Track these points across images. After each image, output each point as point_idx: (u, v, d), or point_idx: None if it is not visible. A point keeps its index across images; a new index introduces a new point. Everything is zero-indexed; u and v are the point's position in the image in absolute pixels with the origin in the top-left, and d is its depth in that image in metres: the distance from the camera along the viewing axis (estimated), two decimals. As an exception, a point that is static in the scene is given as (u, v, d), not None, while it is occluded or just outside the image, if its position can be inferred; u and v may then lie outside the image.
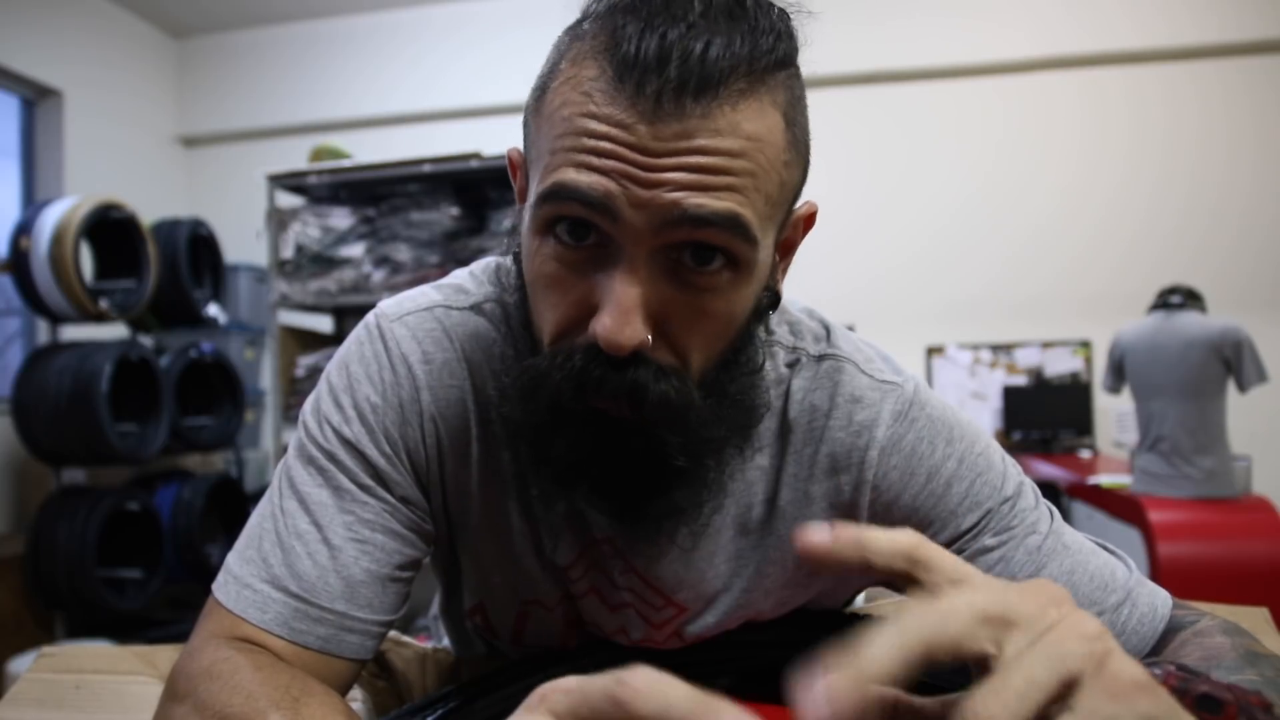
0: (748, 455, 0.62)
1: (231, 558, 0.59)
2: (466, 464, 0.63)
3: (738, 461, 0.62)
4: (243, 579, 0.57)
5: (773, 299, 0.59)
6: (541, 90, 0.52)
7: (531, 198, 0.51)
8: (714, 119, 0.46)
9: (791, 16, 0.51)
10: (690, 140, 0.46)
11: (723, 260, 0.49)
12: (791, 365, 0.63)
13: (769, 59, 0.48)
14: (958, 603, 0.29)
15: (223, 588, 0.58)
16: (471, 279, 0.67)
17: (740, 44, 0.46)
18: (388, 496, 0.60)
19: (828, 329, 0.66)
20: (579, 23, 0.51)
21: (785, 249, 0.59)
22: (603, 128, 0.46)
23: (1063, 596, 0.31)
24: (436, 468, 0.63)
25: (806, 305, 0.69)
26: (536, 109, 0.52)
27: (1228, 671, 0.49)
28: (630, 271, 0.48)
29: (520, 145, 0.58)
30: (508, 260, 0.67)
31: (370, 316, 0.65)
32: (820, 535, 0.32)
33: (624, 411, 0.50)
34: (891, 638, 0.27)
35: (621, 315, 0.47)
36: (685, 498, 0.55)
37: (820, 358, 0.63)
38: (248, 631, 0.56)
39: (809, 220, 0.60)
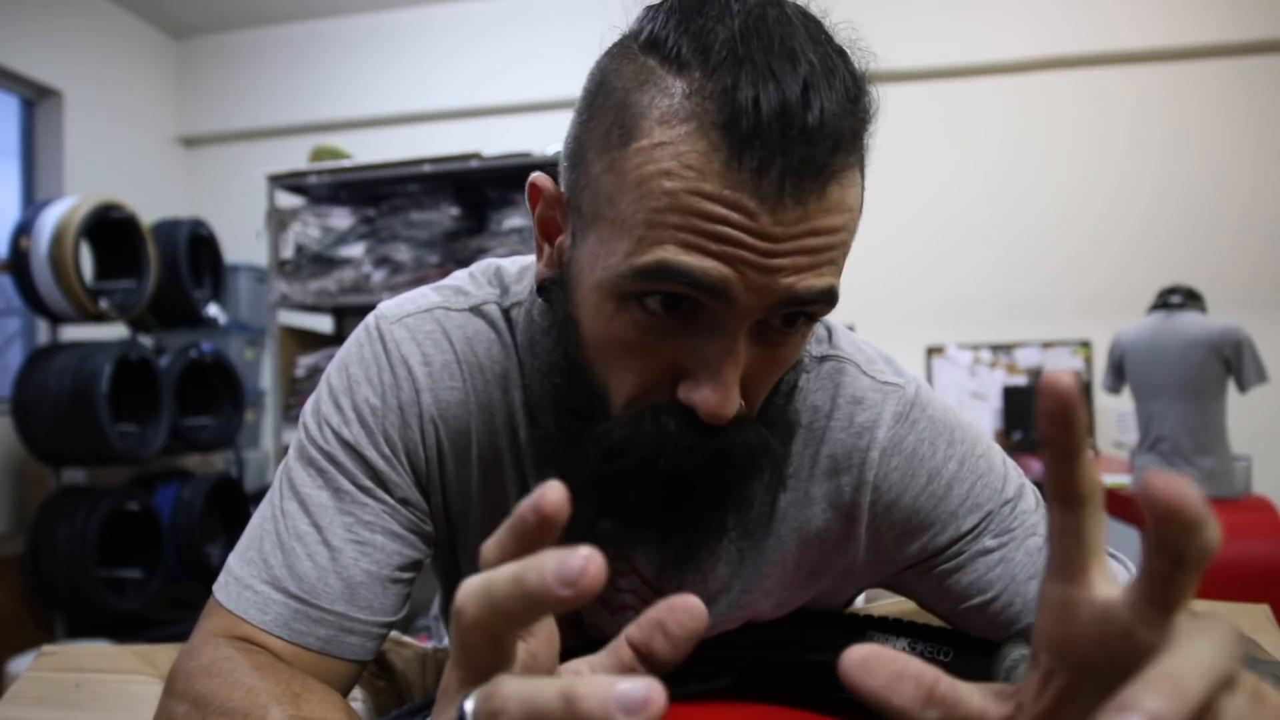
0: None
1: (233, 558, 0.60)
2: (467, 465, 0.63)
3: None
4: (243, 580, 0.58)
5: None
6: (613, 140, 0.47)
7: (617, 265, 0.47)
8: (827, 199, 0.45)
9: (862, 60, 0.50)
10: (808, 223, 0.45)
11: (804, 320, 0.50)
12: (792, 366, 0.63)
13: (863, 120, 0.47)
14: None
15: (223, 588, 0.58)
16: (471, 280, 0.67)
17: (841, 110, 0.45)
18: (387, 498, 0.60)
19: (829, 330, 0.66)
20: (644, 57, 0.47)
21: None
22: (720, 210, 0.44)
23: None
24: (437, 470, 0.63)
25: None
26: (609, 162, 0.47)
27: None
28: (734, 347, 0.47)
29: (548, 171, 0.56)
30: (508, 266, 0.67)
31: (370, 318, 0.65)
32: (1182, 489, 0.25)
33: (711, 472, 0.51)
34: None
35: (725, 389, 0.47)
36: (735, 520, 0.56)
37: (822, 359, 0.63)
38: (247, 632, 0.56)
39: None
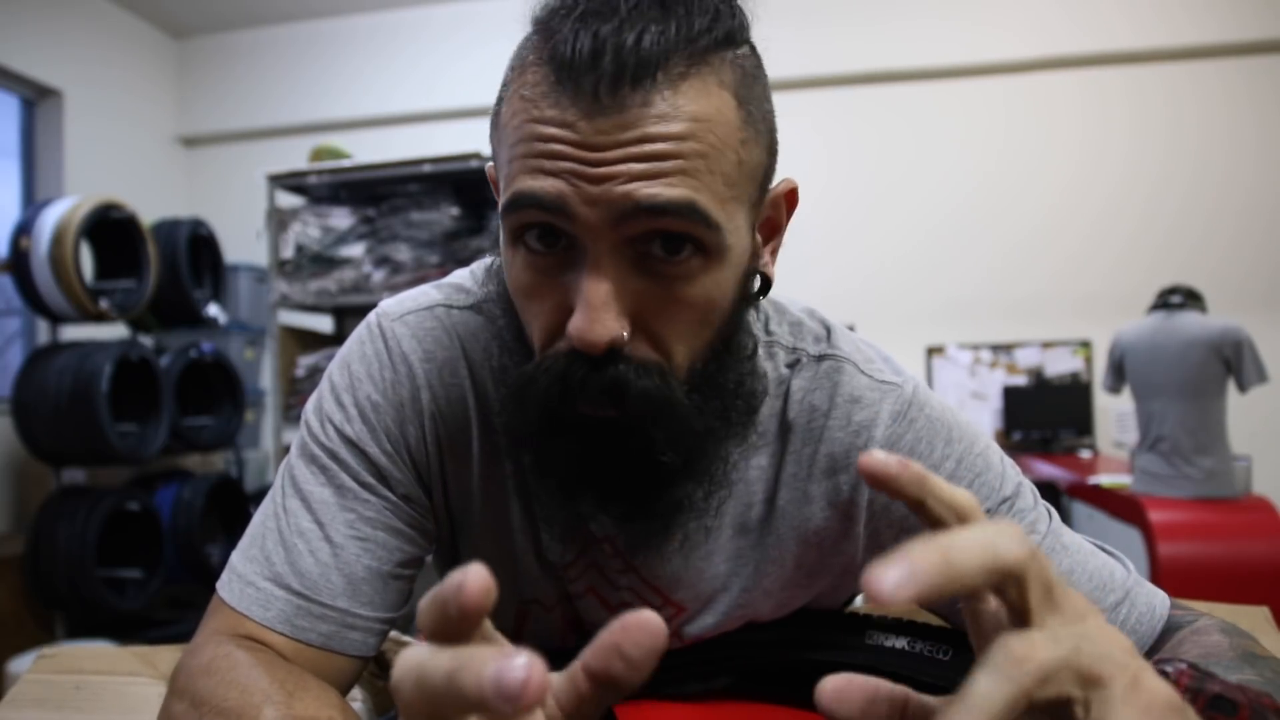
0: (748, 454, 0.62)
1: (236, 555, 0.60)
2: (467, 462, 0.64)
3: (740, 456, 0.62)
4: (246, 576, 0.58)
5: (763, 283, 0.59)
6: (498, 105, 0.53)
7: (500, 204, 0.52)
8: (654, 105, 0.46)
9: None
10: (633, 129, 0.46)
11: (691, 248, 0.49)
12: (792, 365, 0.63)
13: (708, 39, 0.48)
14: (1031, 659, 0.28)
15: (226, 585, 0.58)
16: (472, 278, 0.67)
17: (674, 29, 0.47)
18: (389, 494, 0.61)
19: (828, 329, 0.66)
20: (526, 35, 0.52)
21: (769, 230, 0.58)
22: (548, 130, 0.47)
23: (1131, 647, 0.31)
24: (438, 466, 0.63)
25: (808, 306, 0.69)
26: (495, 124, 0.53)
27: (1225, 670, 0.49)
28: (595, 268, 0.48)
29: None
30: (495, 264, 0.67)
31: (371, 316, 0.65)
32: (890, 460, 0.31)
33: (609, 412, 0.50)
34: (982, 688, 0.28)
35: (591, 312, 0.47)
36: (689, 493, 0.55)
37: (820, 358, 0.63)
38: (250, 629, 0.56)
39: (790, 198, 0.59)
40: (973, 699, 0.27)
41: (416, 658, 0.27)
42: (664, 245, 0.48)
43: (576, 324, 0.48)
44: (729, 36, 0.49)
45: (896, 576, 0.26)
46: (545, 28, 0.49)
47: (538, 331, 0.52)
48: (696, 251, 0.49)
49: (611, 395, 0.49)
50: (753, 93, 0.51)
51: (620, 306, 0.48)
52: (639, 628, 0.29)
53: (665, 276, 0.49)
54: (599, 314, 0.47)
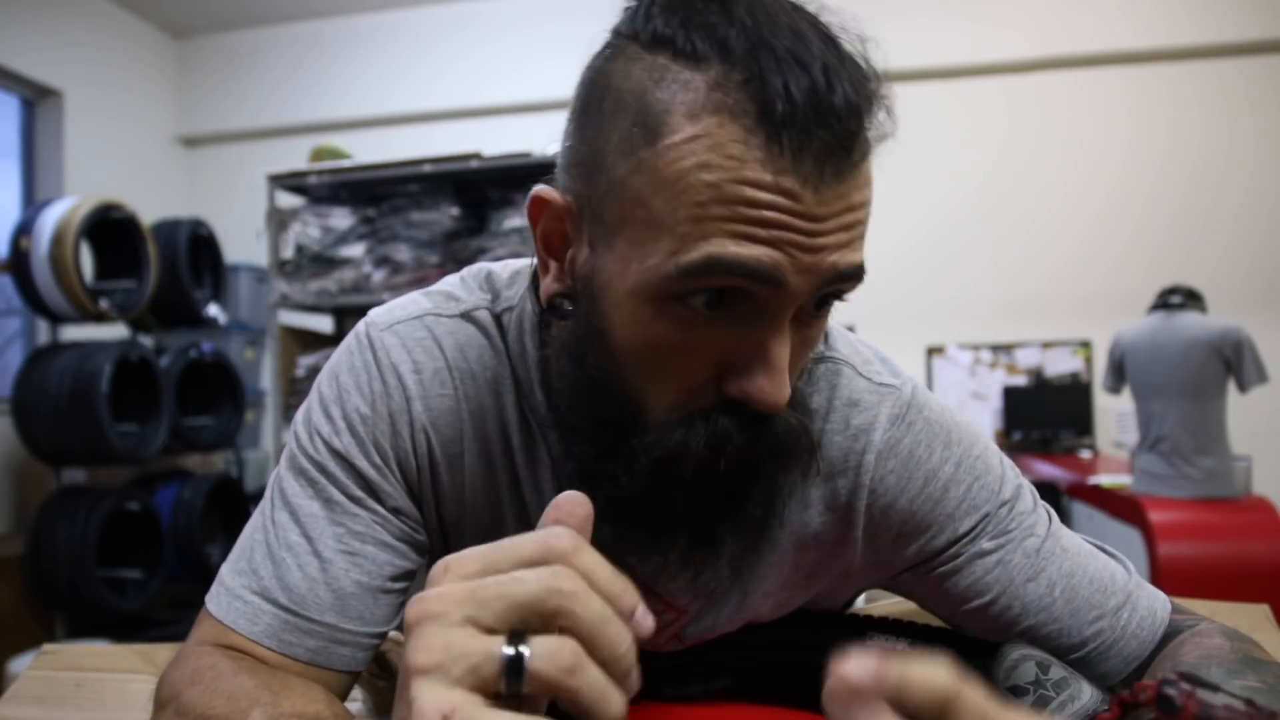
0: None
1: (224, 569, 0.59)
2: (460, 473, 0.63)
3: None
4: (234, 590, 0.58)
5: None
6: (637, 140, 0.46)
7: (659, 266, 0.46)
8: (859, 173, 0.46)
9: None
10: (845, 199, 0.46)
11: (833, 299, 0.50)
12: None
13: (876, 97, 0.47)
14: None
15: (215, 599, 0.58)
16: (462, 286, 0.66)
17: (860, 79, 0.46)
18: (378, 508, 0.60)
19: (825, 331, 0.66)
20: (652, 56, 0.47)
21: None
22: (766, 196, 0.44)
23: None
24: (429, 478, 0.63)
25: None
26: (638, 165, 0.46)
27: (1227, 674, 0.49)
28: (783, 333, 0.47)
29: (551, 184, 0.54)
30: (500, 271, 0.66)
31: (360, 326, 0.64)
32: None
33: (760, 463, 0.51)
34: None
35: (780, 376, 0.47)
36: (761, 513, 0.55)
37: (818, 360, 0.63)
38: (236, 642, 0.56)
39: None
40: None
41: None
42: (819, 303, 0.49)
43: (762, 388, 0.47)
44: (879, 91, 0.49)
45: (861, 673, 0.29)
46: (733, 65, 0.44)
47: (674, 389, 0.50)
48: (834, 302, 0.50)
49: (773, 448, 0.50)
50: None
51: None
52: (569, 499, 0.36)
53: (807, 327, 0.50)
54: (785, 378, 0.47)
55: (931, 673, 0.29)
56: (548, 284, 0.54)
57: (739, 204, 0.44)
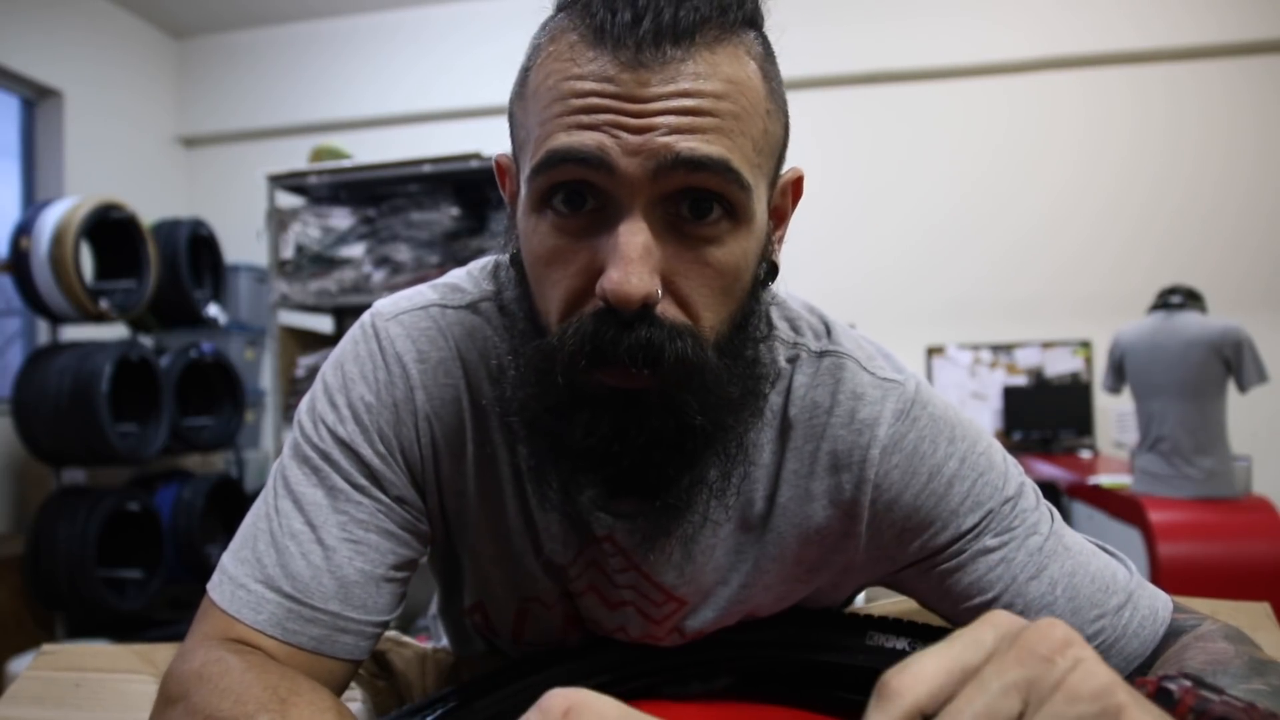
0: (751, 439, 0.62)
1: (226, 557, 0.59)
2: (462, 463, 0.63)
3: (752, 438, 0.61)
4: (237, 579, 0.57)
5: (770, 270, 0.58)
6: (523, 77, 0.53)
7: (525, 174, 0.51)
8: (695, 62, 0.47)
9: None
10: (674, 83, 0.47)
11: (720, 210, 0.49)
12: (792, 361, 0.63)
13: (738, 14, 0.49)
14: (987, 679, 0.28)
15: (217, 587, 0.58)
16: (469, 278, 0.67)
17: (706, 1, 0.48)
18: (382, 496, 0.60)
19: (827, 325, 0.66)
20: (550, 16, 0.53)
21: (777, 218, 0.59)
22: (588, 85, 0.47)
23: (1073, 639, 0.30)
24: (432, 467, 0.63)
25: (806, 301, 0.68)
26: (520, 95, 0.53)
27: (1234, 679, 0.49)
28: (631, 221, 0.48)
29: (508, 150, 0.58)
30: (504, 257, 0.66)
31: (365, 316, 0.65)
32: None
33: (641, 380, 0.49)
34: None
35: (628, 265, 0.47)
36: (706, 472, 0.55)
37: (821, 354, 0.63)
38: (241, 632, 0.56)
39: (797, 187, 0.60)
40: None
41: None
42: (693, 207, 0.49)
43: (611, 277, 0.47)
44: (752, 18, 0.51)
45: None
46: (579, 3, 0.49)
47: (558, 299, 0.51)
48: (725, 215, 0.50)
49: (645, 356, 0.48)
50: (773, 71, 0.53)
51: (652, 264, 0.48)
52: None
53: (694, 238, 0.50)
54: (636, 266, 0.47)
55: (918, 677, 0.29)
56: (511, 239, 0.58)
57: (568, 97, 0.48)
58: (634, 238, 0.47)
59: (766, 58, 0.52)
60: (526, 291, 0.55)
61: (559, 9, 0.52)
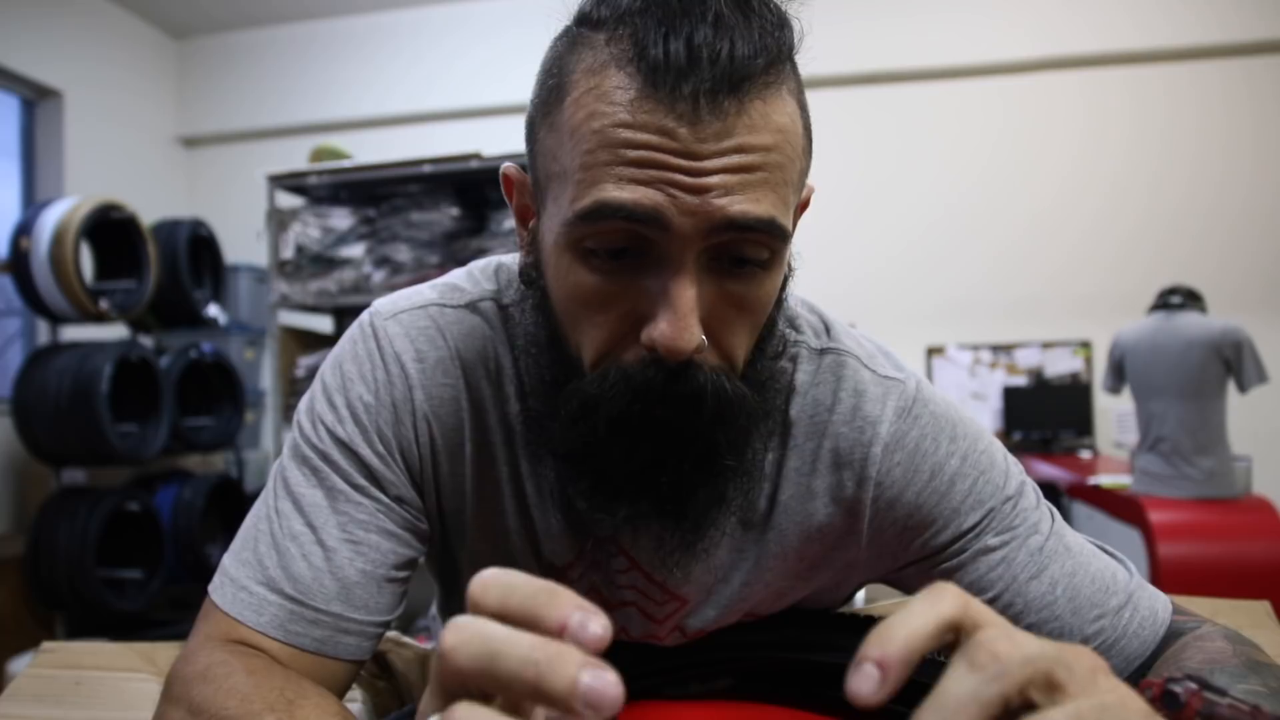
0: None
1: (227, 559, 0.59)
2: (460, 463, 0.63)
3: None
4: (238, 581, 0.57)
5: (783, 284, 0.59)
6: (553, 100, 0.50)
7: (560, 211, 0.49)
8: (749, 114, 0.46)
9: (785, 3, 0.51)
10: (730, 138, 0.46)
11: (757, 263, 0.50)
12: (793, 359, 0.63)
13: (785, 46, 0.48)
14: (1013, 656, 0.28)
15: (219, 590, 0.58)
16: (469, 278, 0.67)
17: (759, 37, 0.46)
18: (381, 496, 0.60)
19: (826, 324, 0.66)
20: (577, 30, 0.51)
21: None
22: (643, 136, 0.45)
23: (1106, 668, 0.30)
24: (430, 467, 0.63)
25: (805, 299, 0.68)
26: (551, 123, 0.50)
27: (1231, 678, 0.49)
28: (682, 276, 0.47)
29: (516, 161, 0.58)
30: (510, 263, 0.66)
31: (364, 315, 0.65)
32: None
33: (683, 420, 0.50)
34: (962, 687, 0.27)
35: (680, 320, 0.47)
36: (734, 487, 0.56)
37: (822, 352, 0.63)
38: (243, 634, 0.56)
39: (806, 200, 0.60)
40: (951, 697, 0.27)
41: (488, 634, 0.27)
42: (735, 260, 0.49)
43: (663, 331, 0.47)
44: (794, 45, 0.50)
45: (871, 686, 0.28)
46: (622, 28, 0.47)
47: (597, 341, 0.51)
48: (764, 266, 0.50)
49: (693, 404, 0.49)
50: (805, 101, 0.52)
51: (699, 314, 0.48)
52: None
53: (732, 280, 0.50)
54: (687, 321, 0.47)
55: (931, 607, 0.29)
56: (521, 257, 0.57)
57: (620, 147, 0.46)
58: (686, 291, 0.47)
59: (801, 89, 0.51)
60: (548, 316, 0.55)
61: (591, 24, 0.49)
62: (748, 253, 0.49)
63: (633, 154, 0.46)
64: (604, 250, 0.48)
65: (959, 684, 0.28)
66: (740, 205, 0.46)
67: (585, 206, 0.47)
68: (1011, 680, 0.28)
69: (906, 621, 0.29)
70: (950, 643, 0.30)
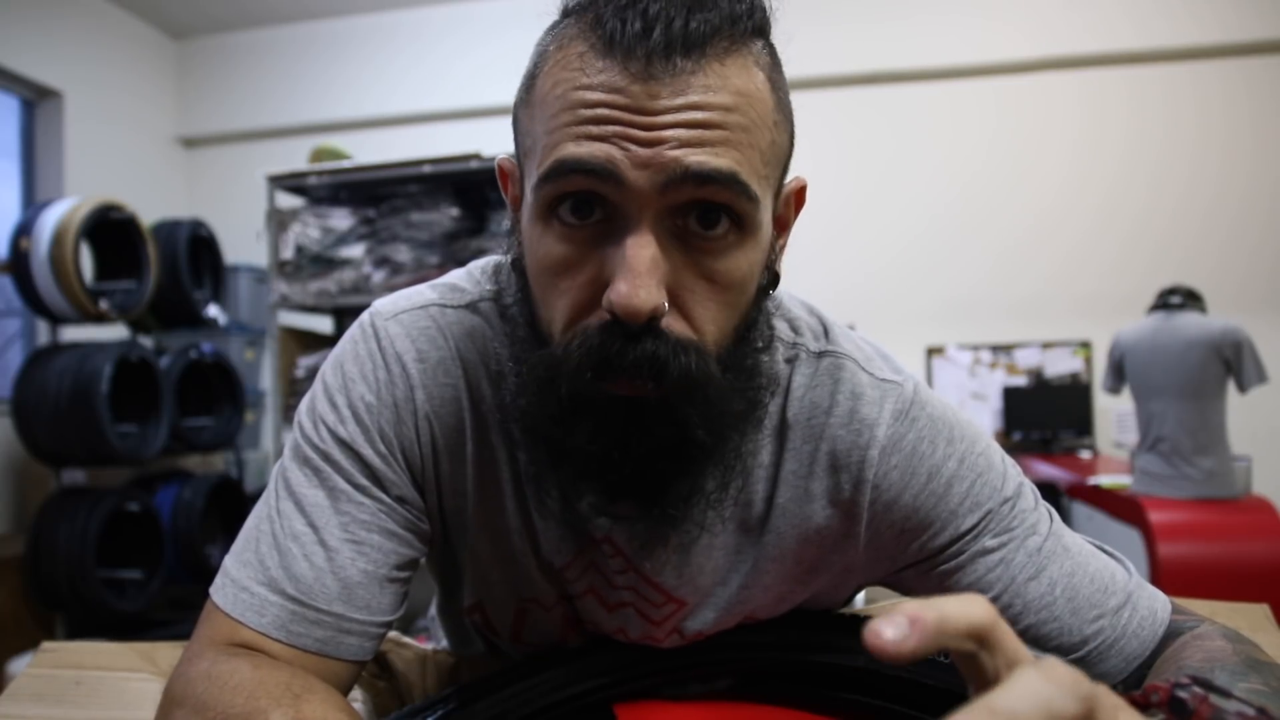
0: (750, 448, 0.62)
1: (229, 560, 0.59)
2: (462, 463, 0.63)
3: (750, 446, 0.61)
4: (240, 582, 0.57)
5: (772, 279, 0.58)
6: (529, 83, 0.53)
7: (531, 182, 0.51)
8: (705, 74, 0.47)
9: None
10: (685, 96, 0.47)
11: (728, 222, 0.49)
12: (790, 361, 0.63)
13: (747, 24, 0.49)
14: (1083, 684, 0.27)
15: (220, 591, 0.58)
16: (469, 278, 0.67)
17: (717, 13, 0.48)
18: (383, 496, 0.60)
19: (825, 326, 0.66)
20: (557, 21, 0.53)
21: (779, 226, 0.59)
22: (597, 95, 0.47)
23: (1120, 704, 0.29)
24: (431, 467, 0.63)
25: (804, 301, 0.68)
26: (526, 101, 0.53)
27: (1231, 676, 0.49)
28: (639, 235, 0.48)
29: (510, 152, 0.58)
30: (506, 260, 0.66)
31: (365, 315, 0.65)
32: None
33: (644, 390, 0.49)
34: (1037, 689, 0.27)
35: (636, 279, 0.47)
36: (704, 482, 0.55)
37: (820, 354, 0.63)
38: (246, 636, 0.56)
39: (799, 197, 0.60)
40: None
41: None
42: (701, 219, 0.49)
43: (619, 290, 0.47)
44: (761, 27, 0.51)
45: (896, 633, 0.28)
46: (588, 11, 0.49)
47: (563, 309, 0.51)
48: (732, 226, 0.50)
49: (651, 370, 0.48)
50: (780, 81, 0.52)
51: (659, 278, 0.48)
52: None
53: (700, 251, 0.50)
54: (643, 280, 0.47)
55: (968, 607, 0.29)
56: (513, 244, 0.58)
57: (577, 107, 0.48)
58: (642, 250, 0.47)
59: (774, 67, 0.52)
60: (528, 297, 0.55)
61: (566, 15, 0.52)
62: (712, 213, 0.49)
63: (588, 112, 0.47)
64: (569, 212, 0.49)
65: (1030, 684, 0.27)
66: (696, 156, 0.47)
67: (547, 166, 0.48)
68: (1083, 705, 0.27)
69: (943, 606, 0.29)
70: (964, 651, 0.30)
